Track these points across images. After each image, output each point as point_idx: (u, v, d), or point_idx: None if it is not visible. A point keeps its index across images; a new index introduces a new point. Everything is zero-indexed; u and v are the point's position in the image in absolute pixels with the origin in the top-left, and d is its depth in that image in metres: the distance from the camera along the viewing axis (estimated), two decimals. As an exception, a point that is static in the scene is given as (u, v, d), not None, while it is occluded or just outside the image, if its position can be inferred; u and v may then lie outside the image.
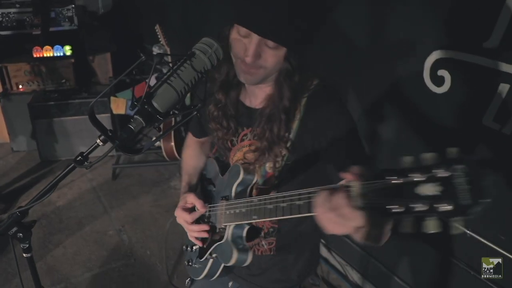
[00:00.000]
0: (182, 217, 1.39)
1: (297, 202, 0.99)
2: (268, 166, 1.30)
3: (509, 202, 1.67)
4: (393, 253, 2.42)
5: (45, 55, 4.16)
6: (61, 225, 3.37)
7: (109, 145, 0.96)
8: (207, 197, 1.49)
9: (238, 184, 1.29)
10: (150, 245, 3.15)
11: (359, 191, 0.76)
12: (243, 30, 1.10)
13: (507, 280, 1.76)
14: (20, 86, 4.20)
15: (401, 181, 0.67)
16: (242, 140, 1.36)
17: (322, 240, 2.89)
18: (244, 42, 1.12)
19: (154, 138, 1.02)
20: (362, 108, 2.27)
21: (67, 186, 3.80)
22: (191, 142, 1.67)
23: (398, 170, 0.68)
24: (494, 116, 1.65)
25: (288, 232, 1.43)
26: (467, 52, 1.69)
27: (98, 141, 0.97)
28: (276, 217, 1.08)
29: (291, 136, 1.24)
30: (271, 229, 1.42)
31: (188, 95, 1.11)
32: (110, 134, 0.95)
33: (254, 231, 1.38)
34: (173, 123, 3.21)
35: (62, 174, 1.02)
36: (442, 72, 1.80)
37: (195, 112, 0.95)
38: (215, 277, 1.43)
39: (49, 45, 4.15)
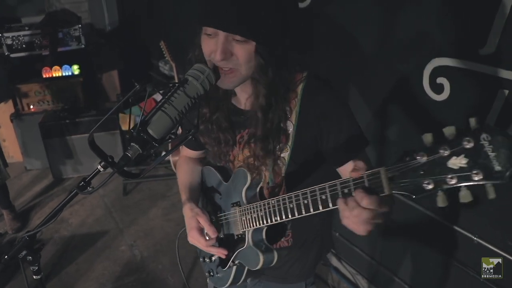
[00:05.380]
0: (198, 242, 1.40)
1: (322, 197, 1.02)
2: (274, 164, 1.30)
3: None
4: (402, 260, 2.42)
5: (54, 75, 4.25)
6: (74, 242, 3.43)
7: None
8: (213, 207, 1.51)
9: (248, 188, 1.30)
10: (161, 259, 3.18)
11: (386, 177, 0.82)
12: (210, 30, 1.10)
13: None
14: (31, 106, 4.29)
15: (432, 158, 0.74)
16: (240, 142, 1.37)
17: (332, 250, 2.89)
18: (213, 42, 1.10)
19: (158, 159, 1.05)
20: (367, 113, 2.29)
21: (79, 203, 3.86)
22: (184, 160, 1.66)
23: (425, 148, 0.75)
24: (495, 122, 1.66)
25: (300, 222, 1.40)
26: (464, 59, 1.71)
27: (99, 167, 1.00)
28: (298, 215, 1.11)
29: (291, 130, 1.24)
30: (285, 222, 1.42)
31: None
32: (110, 160, 0.98)
33: (274, 231, 1.38)
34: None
35: (65, 200, 1.05)
36: (441, 80, 1.81)
37: (190, 137, 0.98)
38: (240, 281, 1.45)
39: (57, 65, 4.24)
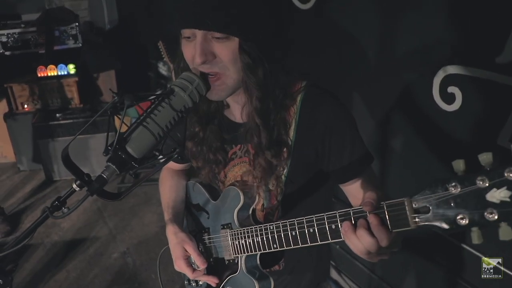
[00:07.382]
0: (186, 272, 1.31)
1: (332, 226, 0.91)
2: (271, 184, 1.18)
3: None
4: (405, 276, 2.31)
5: (49, 74, 4.14)
6: (64, 248, 3.31)
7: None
8: (198, 226, 1.40)
9: (240, 209, 1.18)
10: (155, 268, 3.05)
11: (411, 209, 0.74)
12: (187, 32, 1.00)
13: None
14: (25, 106, 4.19)
15: (467, 190, 0.65)
16: (232, 159, 1.25)
17: (332, 262, 2.78)
18: (193, 45, 1.00)
19: (136, 181, 0.94)
20: (373, 123, 2.18)
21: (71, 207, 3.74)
22: (168, 174, 1.52)
23: (458, 177, 0.66)
24: (510, 137, 1.54)
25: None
26: (478, 67, 1.59)
27: (74, 186, 0.89)
28: (302, 244, 1.00)
29: (290, 145, 1.13)
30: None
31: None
32: (87, 179, 0.87)
33: (268, 256, 1.26)
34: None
35: (37, 221, 0.94)
36: (452, 89, 1.70)
37: (176, 155, 0.86)
38: None
39: (53, 64, 4.13)
